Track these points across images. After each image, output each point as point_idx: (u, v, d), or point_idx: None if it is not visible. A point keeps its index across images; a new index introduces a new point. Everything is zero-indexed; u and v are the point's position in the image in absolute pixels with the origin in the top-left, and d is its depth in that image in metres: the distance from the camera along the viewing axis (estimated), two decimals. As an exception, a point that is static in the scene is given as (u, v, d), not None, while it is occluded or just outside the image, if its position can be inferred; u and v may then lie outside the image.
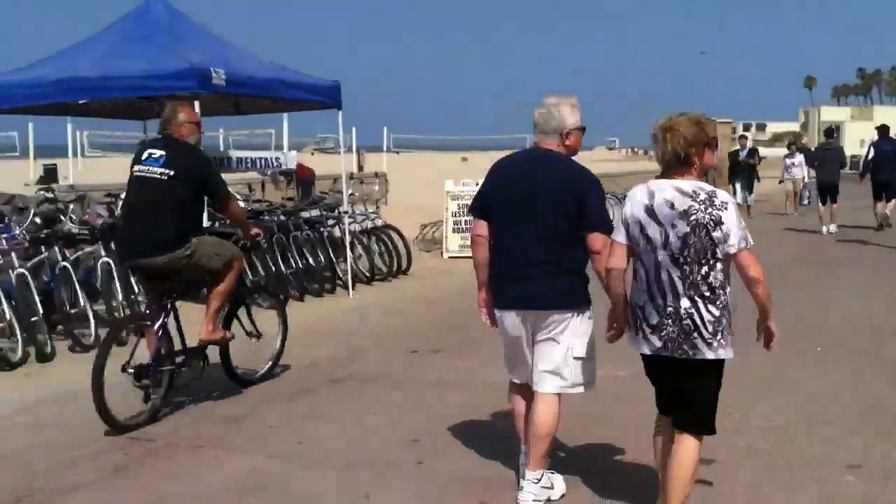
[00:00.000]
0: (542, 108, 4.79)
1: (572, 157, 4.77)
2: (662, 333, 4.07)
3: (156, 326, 6.34)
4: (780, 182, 24.86)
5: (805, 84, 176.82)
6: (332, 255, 11.92)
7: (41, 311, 8.26)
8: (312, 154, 61.25)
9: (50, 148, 37.76)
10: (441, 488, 5.02)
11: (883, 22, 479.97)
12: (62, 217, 10.04)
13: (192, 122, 6.60)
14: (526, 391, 4.87)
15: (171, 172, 6.28)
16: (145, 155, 6.43)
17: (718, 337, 4.01)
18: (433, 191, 18.07)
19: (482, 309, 4.98)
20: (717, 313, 4.00)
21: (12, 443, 5.97)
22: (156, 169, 6.32)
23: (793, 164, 23.54)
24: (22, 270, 8.25)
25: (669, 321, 4.04)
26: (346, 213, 12.22)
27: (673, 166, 4.10)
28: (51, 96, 10.11)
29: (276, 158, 14.07)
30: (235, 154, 13.03)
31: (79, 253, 9.29)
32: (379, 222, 13.37)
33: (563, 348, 4.62)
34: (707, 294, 4.00)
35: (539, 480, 4.69)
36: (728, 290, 4.07)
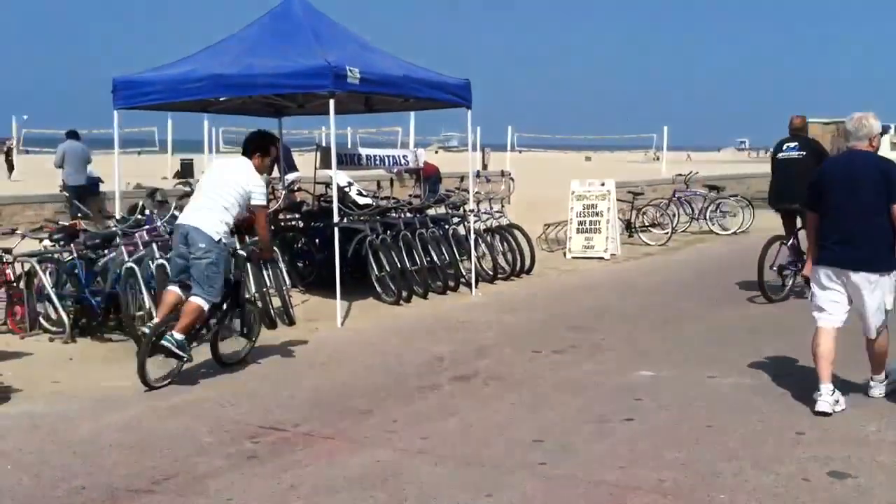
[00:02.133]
0: (855, 122, 6.56)
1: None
2: None
3: None
4: None
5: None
6: (456, 252, 12.00)
7: (178, 301, 8.58)
8: (437, 152, 61.85)
9: (186, 143, 39.22)
10: (563, 490, 5.00)
11: None
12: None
13: None
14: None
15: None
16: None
17: None
18: (557, 190, 17.98)
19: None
20: None
21: (149, 428, 6.23)
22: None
23: None
24: (162, 261, 8.59)
25: None
26: (471, 211, 12.28)
27: None
28: (193, 93, 10.47)
29: (404, 156, 14.24)
30: (365, 151, 13.24)
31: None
32: (503, 221, 13.39)
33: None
34: None
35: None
36: None
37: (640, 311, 10.51)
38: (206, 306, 7.30)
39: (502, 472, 5.28)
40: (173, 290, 7.50)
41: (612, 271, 14.08)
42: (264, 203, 7.78)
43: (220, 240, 7.40)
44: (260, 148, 7.85)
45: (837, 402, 6.36)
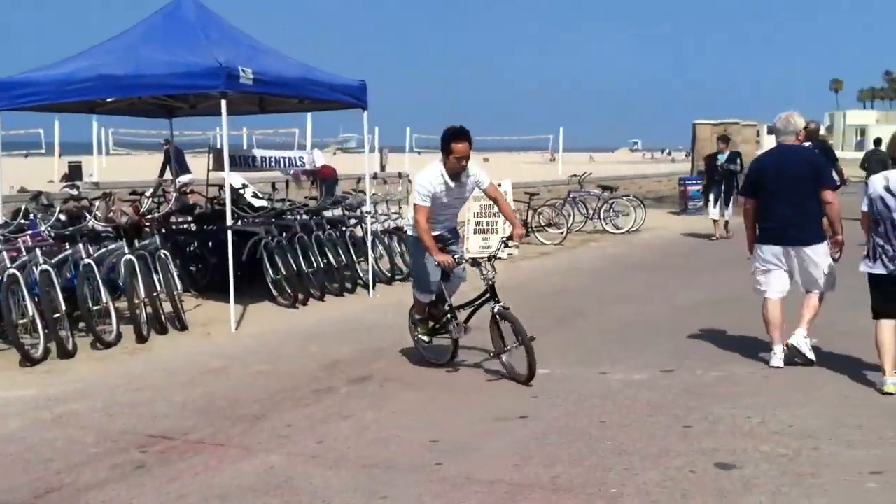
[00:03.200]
0: (783, 120, 7.76)
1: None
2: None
3: None
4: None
5: (831, 87, 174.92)
6: (353, 254, 11.95)
7: (64, 308, 8.32)
8: (335, 154, 61.46)
9: (75, 145, 38.14)
10: (459, 490, 5.01)
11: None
12: (87, 214, 10.11)
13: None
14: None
15: None
16: None
17: None
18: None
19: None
20: None
21: (32, 439, 6.01)
22: None
23: None
24: (46, 267, 8.30)
25: None
26: (368, 212, 12.24)
27: None
28: (80, 94, 10.14)
29: (300, 158, 14.11)
30: (260, 153, 13.06)
31: (102, 250, 9.36)
32: (401, 222, 13.37)
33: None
34: None
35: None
36: None
37: (537, 310, 10.59)
38: None
39: (397, 474, 5.26)
40: None
41: (508, 271, 14.19)
42: (415, 202, 7.37)
43: None
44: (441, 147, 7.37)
45: (782, 359, 7.58)
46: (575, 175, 21.31)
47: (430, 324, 7.83)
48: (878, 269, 6.84)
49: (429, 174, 7.30)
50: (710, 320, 9.72)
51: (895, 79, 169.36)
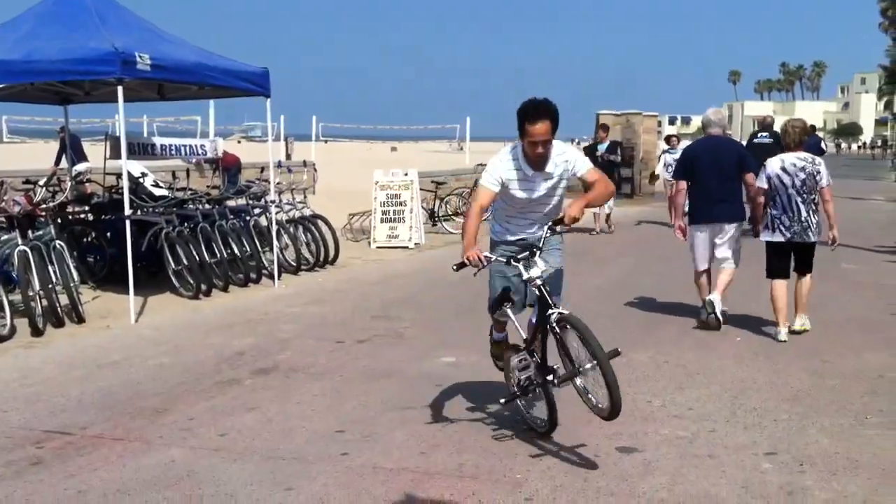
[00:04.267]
0: (714, 114, 9.26)
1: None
2: (791, 230, 8.23)
3: None
4: (651, 181, 22.63)
5: (729, 78, 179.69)
6: (257, 244, 11.79)
7: (-46, 301, 8.00)
8: (239, 142, 60.52)
9: (-35, 132, 36.68)
10: (365, 479, 4.99)
11: (805, 18, 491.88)
12: (-24, 204, 9.75)
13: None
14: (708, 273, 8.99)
15: None
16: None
17: (816, 231, 8.28)
18: (362, 180, 17.99)
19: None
20: (815, 220, 8.23)
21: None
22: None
23: (675, 160, 17.94)
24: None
25: (795, 224, 8.21)
26: (272, 202, 12.09)
27: (793, 146, 8.35)
28: (-35, 80, 9.74)
29: (202, 146, 13.83)
30: (160, 141, 12.75)
31: (-6, 241, 9.03)
32: (306, 212, 13.26)
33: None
34: (813, 209, 8.22)
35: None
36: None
37: (444, 299, 10.66)
38: None
39: (303, 465, 5.22)
40: None
41: (416, 260, 14.23)
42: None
43: None
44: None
45: (709, 314, 8.73)
46: (482, 164, 21.40)
47: (498, 363, 6.17)
48: (777, 238, 8.30)
49: (500, 155, 5.60)
50: (608, 308, 9.90)
51: (791, 70, 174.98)
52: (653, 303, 10.25)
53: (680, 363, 7.51)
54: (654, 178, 22.14)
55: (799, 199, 8.18)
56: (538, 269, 5.25)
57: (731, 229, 8.85)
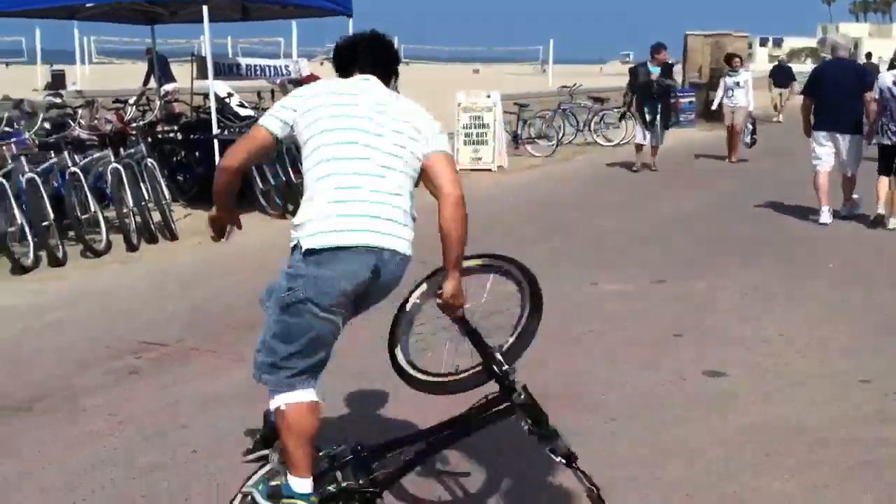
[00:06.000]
0: (842, 38, 11.63)
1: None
2: None
3: None
4: (713, 108, 17.71)
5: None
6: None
7: (52, 217, 8.26)
8: (322, 64, 60.47)
9: (57, 53, 37.46)
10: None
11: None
12: (71, 122, 9.97)
13: None
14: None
15: None
16: None
17: None
18: (444, 103, 17.89)
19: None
20: None
21: (25, 347, 6.02)
22: None
23: (736, 85, 16.58)
24: (32, 175, 8.22)
25: None
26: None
27: None
28: (55, -1, 9.90)
29: (286, 66, 13.87)
30: (245, 61, 12.84)
31: (88, 158, 9.25)
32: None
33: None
34: None
35: None
36: None
37: (528, 221, 10.62)
38: None
39: (393, 382, 5.28)
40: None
41: (499, 183, 14.16)
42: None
43: None
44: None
45: (829, 217, 10.24)
46: (565, 86, 21.09)
47: None
48: (885, 141, 9.77)
49: None
50: (699, 231, 9.75)
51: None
52: (741, 229, 10.07)
53: (770, 289, 7.39)
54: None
55: None
56: None
57: (849, 140, 10.24)
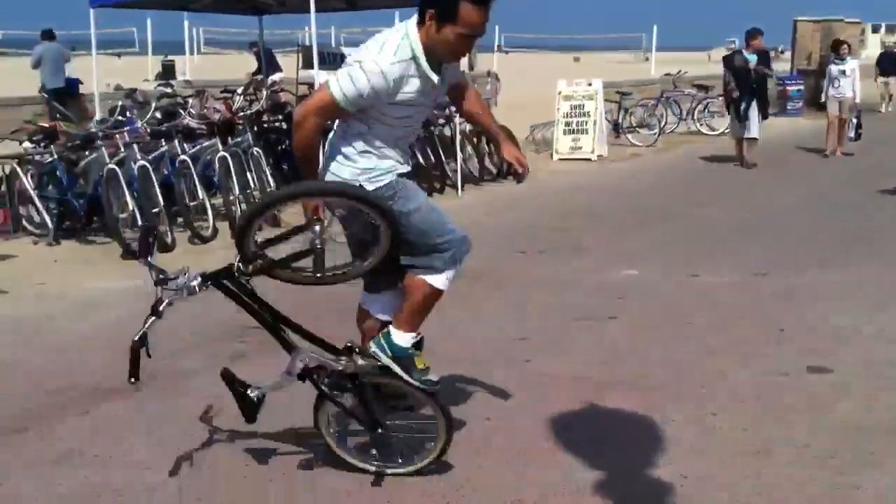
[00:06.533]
0: None
1: None
2: None
3: None
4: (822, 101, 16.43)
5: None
6: (441, 154, 11.92)
7: (162, 203, 8.53)
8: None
9: (166, 44, 38.51)
10: (547, 386, 5.05)
11: None
12: (181, 111, 10.27)
13: None
14: None
15: None
16: None
17: None
18: (544, 91, 17.79)
19: None
20: None
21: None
22: None
23: (842, 73, 15.41)
24: (144, 163, 8.51)
25: None
26: (456, 112, 12.15)
27: None
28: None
29: (389, 56, 13.98)
30: (349, 51, 12.99)
31: (197, 147, 9.52)
32: (489, 122, 13.23)
33: None
34: None
35: None
36: None
37: (627, 211, 10.51)
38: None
39: (485, 369, 5.33)
40: None
41: (599, 172, 14.04)
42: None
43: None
44: None
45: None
46: (669, 74, 20.75)
47: None
48: None
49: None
50: (802, 224, 9.51)
51: None
52: (845, 222, 9.78)
53: (878, 283, 7.16)
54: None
55: None
56: None
57: None
